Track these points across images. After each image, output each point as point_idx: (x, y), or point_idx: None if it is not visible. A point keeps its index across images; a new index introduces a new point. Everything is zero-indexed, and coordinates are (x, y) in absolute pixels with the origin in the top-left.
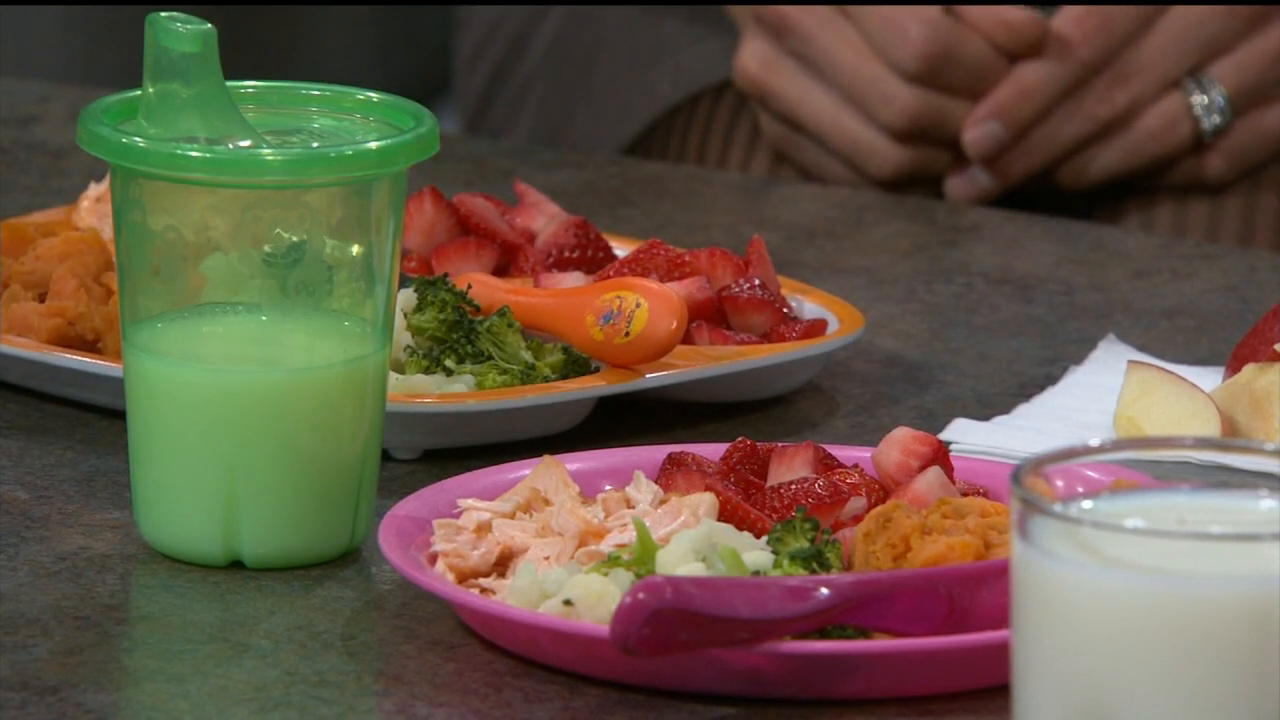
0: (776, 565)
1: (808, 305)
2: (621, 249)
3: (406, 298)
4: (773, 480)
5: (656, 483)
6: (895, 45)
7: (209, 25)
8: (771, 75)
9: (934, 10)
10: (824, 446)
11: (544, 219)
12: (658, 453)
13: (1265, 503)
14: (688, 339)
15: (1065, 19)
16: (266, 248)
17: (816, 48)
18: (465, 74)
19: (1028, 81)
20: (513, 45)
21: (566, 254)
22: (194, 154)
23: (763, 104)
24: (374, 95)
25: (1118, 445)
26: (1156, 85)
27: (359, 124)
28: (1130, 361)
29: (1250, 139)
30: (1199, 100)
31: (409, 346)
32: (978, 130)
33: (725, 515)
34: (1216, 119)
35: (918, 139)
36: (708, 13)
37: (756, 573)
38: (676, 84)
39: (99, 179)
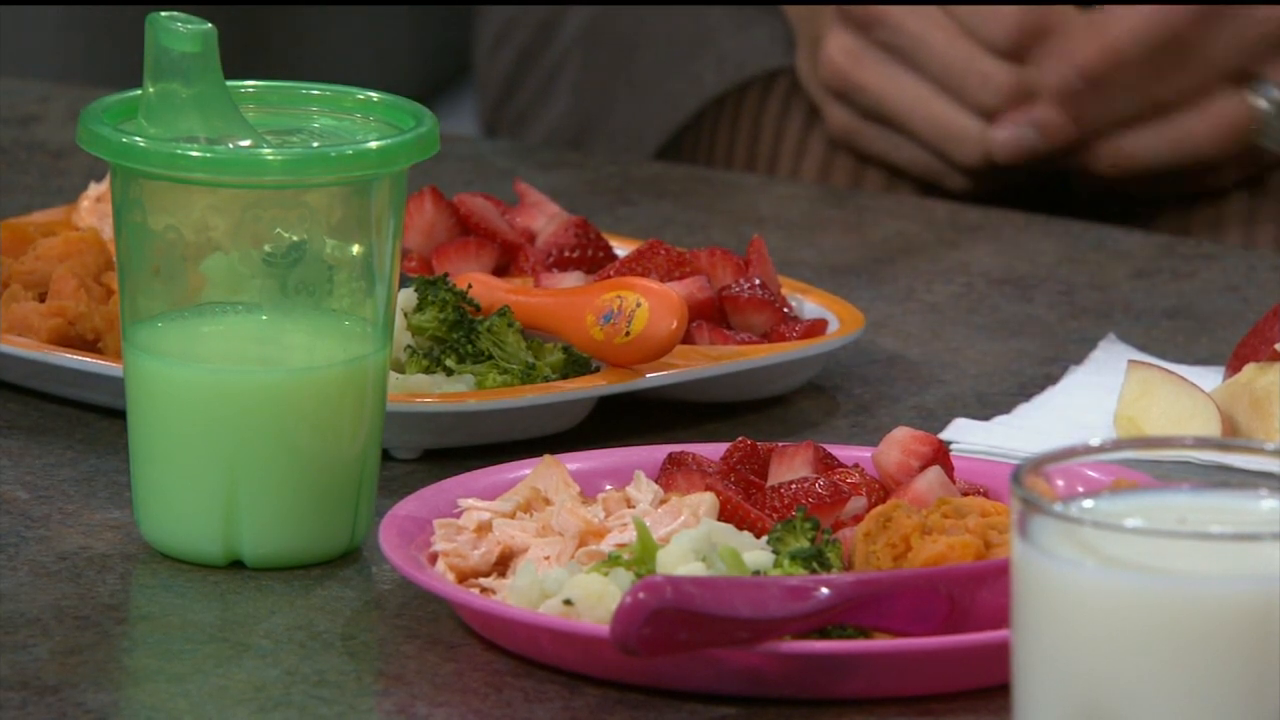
0: (777, 565)
1: (808, 305)
2: (622, 249)
3: (407, 297)
4: (773, 480)
5: (657, 482)
6: (988, 22)
7: (209, 25)
8: (857, 67)
9: None
10: (824, 446)
11: (544, 219)
12: (658, 452)
13: (1265, 503)
14: (688, 339)
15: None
16: (267, 247)
17: (906, 33)
18: (488, 59)
19: (1118, 40)
20: (540, 29)
21: (567, 254)
22: (194, 154)
23: (847, 97)
24: (374, 95)
25: (1118, 445)
26: (1215, 76)
27: (359, 124)
28: (1130, 361)
29: None
30: (1262, 105)
31: (409, 346)
32: (1058, 76)
33: (725, 515)
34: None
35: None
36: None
37: (757, 572)
38: (722, 72)
39: (99, 179)
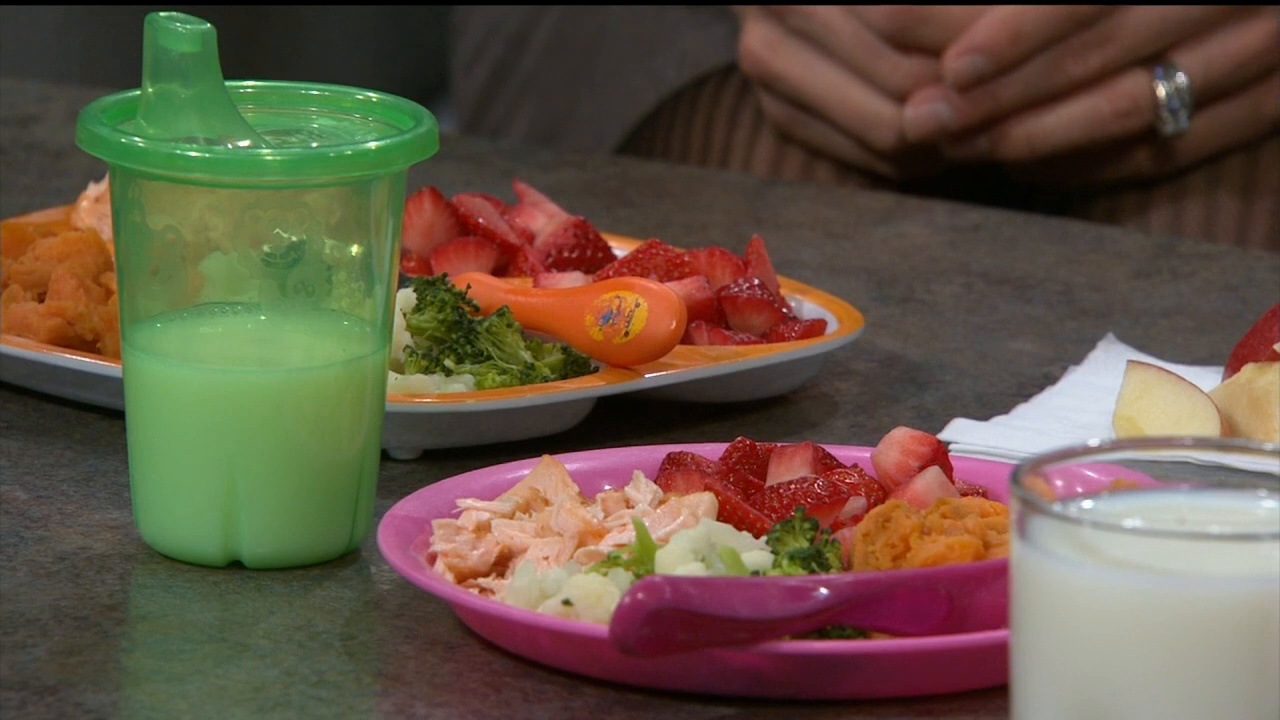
0: (776, 565)
1: (807, 305)
2: (621, 249)
3: (406, 298)
4: (772, 480)
5: (656, 483)
6: (869, 9)
7: (208, 25)
8: (774, 56)
9: None
10: (823, 446)
11: (543, 219)
12: (657, 453)
13: (1265, 503)
14: (687, 339)
15: None
16: (266, 248)
17: (818, 20)
18: (463, 75)
19: (1020, 24)
20: (512, 44)
21: (566, 254)
22: (193, 154)
23: (768, 86)
24: (373, 95)
25: (1117, 445)
26: (1128, 56)
27: (358, 124)
28: (1129, 361)
29: (1206, 140)
30: (1165, 89)
31: (408, 346)
32: (962, 61)
33: (724, 515)
34: (1183, 117)
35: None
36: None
37: (756, 573)
38: (681, 68)
39: (98, 179)
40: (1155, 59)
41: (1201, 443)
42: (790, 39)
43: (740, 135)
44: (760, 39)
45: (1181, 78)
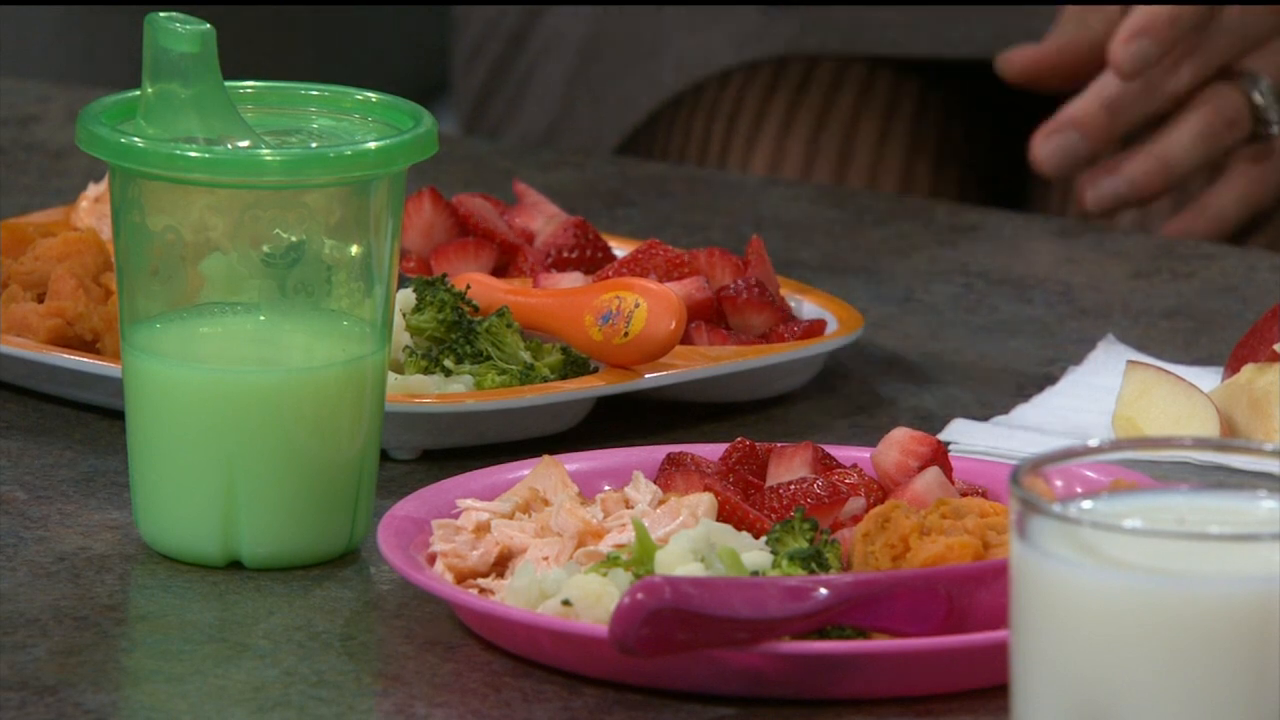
0: (775, 565)
1: (807, 305)
2: (620, 249)
3: (405, 298)
4: (772, 480)
5: (655, 483)
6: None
7: (208, 25)
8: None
9: None
10: (823, 447)
11: (543, 219)
12: (657, 453)
13: (1264, 503)
14: (687, 339)
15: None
16: (265, 248)
17: None
18: (463, 72)
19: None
20: (511, 41)
21: (565, 254)
22: (193, 154)
23: None
24: (373, 95)
25: (1117, 445)
26: (1212, 67)
27: (358, 124)
28: (1129, 362)
29: None
30: (1259, 96)
31: (408, 347)
32: (1131, 46)
33: (724, 515)
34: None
35: None
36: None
37: (755, 573)
38: (679, 73)
39: (98, 179)
40: (1228, 70)
41: (1201, 443)
42: None
43: (738, 141)
44: None
45: (1266, 82)
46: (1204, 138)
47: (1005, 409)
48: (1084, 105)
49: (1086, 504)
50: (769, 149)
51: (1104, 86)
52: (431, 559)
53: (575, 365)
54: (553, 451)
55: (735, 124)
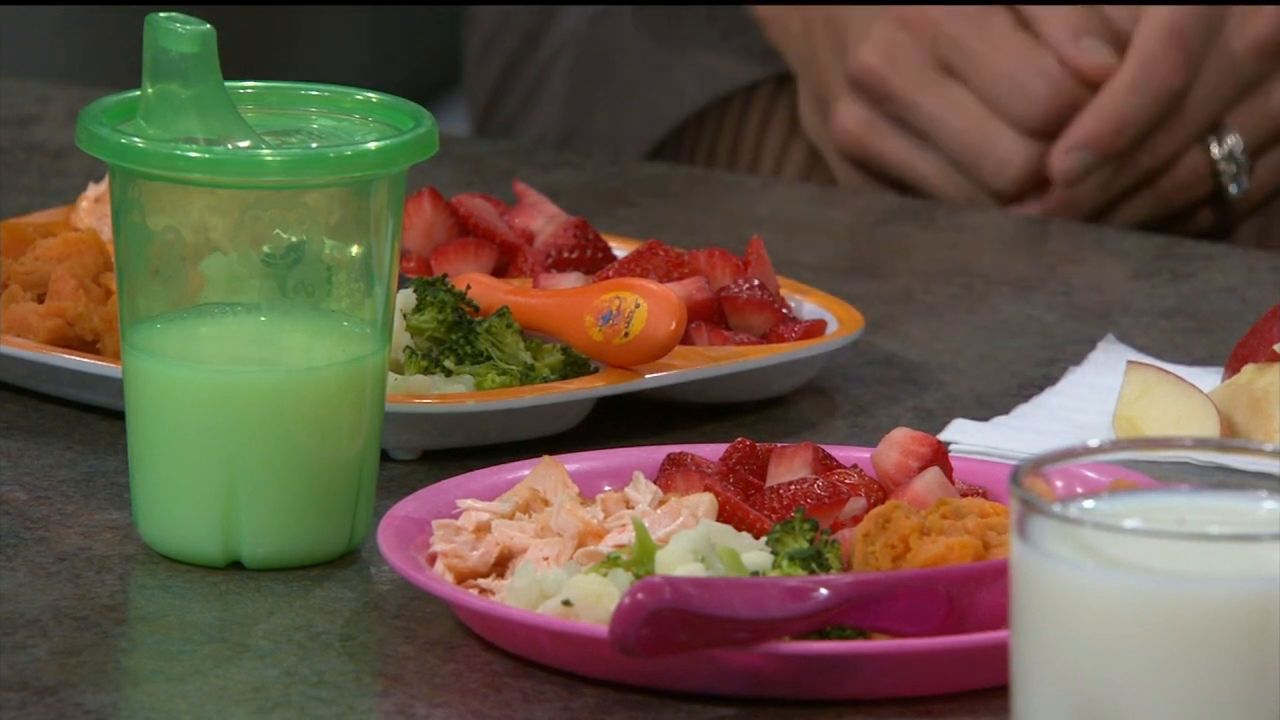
0: (775, 566)
1: (807, 305)
2: (620, 249)
3: (405, 298)
4: (772, 481)
5: (655, 483)
6: (1016, 103)
7: (208, 26)
8: (874, 136)
9: (1049, 62)
10: (823, 447)
11: (543, 219)
12: (657, 453)
13: (1264, 503)
14: (687, 339)
15: (1150, 45)
16: (265, 248)
17: (921, 114)
18: (476, 67)
19: (1120, 109)
20: (525, 38)
21: (565, 254)
22: (193, 154)
23: (859, 165)
24: (373, 95)
25: (1117, 446)
26: (1194, 131)
27: (358, 124)
28: (1129, 362)
29: (1271, 189)
30: (1220, 153)
31: (408, 347)
32: (1071, 157)
33: (724, 516)
34: (1243, 178)
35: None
36: (727, 8)
37: (755, 573)
38: (703, 84)
39: (98, 179)
40: (1214, 127)
41: (1201, 443)
42: (886, 120)
43: (767, 158)
44: (856, 119)
45: (1234, 137)
46: (1148, 202)
47: (1005, 409)
48: (1094, 125)
49: (1087, 504)
50: (799, 164)
51: (1111, 99)
52: (432, 559)
53: (575, 365)
54: (553, 452)
55: (764, 141)
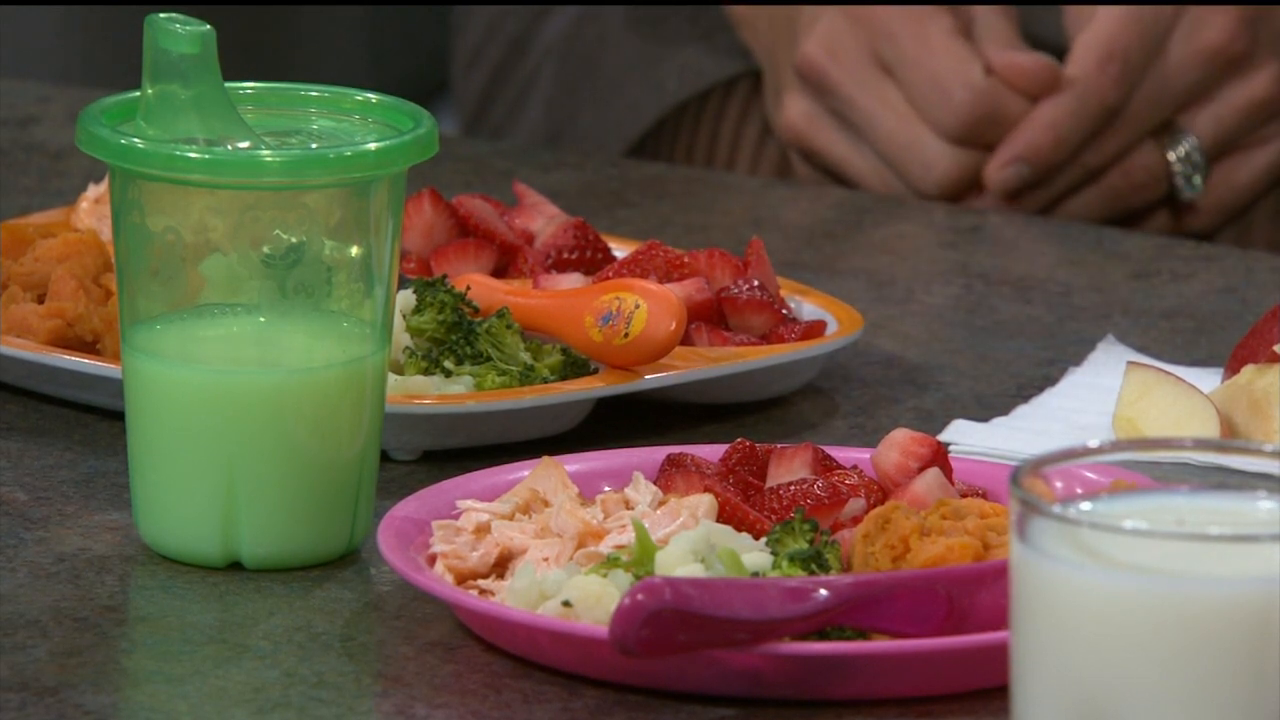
0: (775, 566)
1: (807, 306)
2: (620, 250)
3: (405, 299)
4: (772, 481)
5: (655, 484)
6: (938, 108)
7: (208, 26)
8: (814, 130)
9: (976, 71)
10: (823, 448)
11: (543, 220)
12: (657, 454)
13: (1264, 504)
14: (687, 340)
15: (1086, 62)
16: (265, 249)
17: (856, 110)
18: (463, 76)
19: (1059, 125)
20: (512, 46)
21: (565, 255)
22: (193, 155)
23: (805, 157)
24: (373, 96)
25: (1116, 446)
26: (1140, 134)
27: (358, 125)
28: (1129, 363)
29: (1226, 194)
30: (1176, 155)
31: (408, 348)
32: (1007, 170)
33: (724, 516)
34: (1197, 180)
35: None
36: (710, 9)
37: (755, 574)
38: (684, 80)
39: (98, 180)
40: (1163, 126)
41: (1201, 444)
42: (829, 115)
43: (745, 149)
44: (800, 111)
45: (1191, 140)
46: (1102, 200)
47: (1005, 409)
48: (1031, 138)
49: (1086, 505)
50: (775, 158)
51: (1050, 114)
52: (432, 560)
53: (575, 366)
54: (553, 452)
55: (742, 133)
